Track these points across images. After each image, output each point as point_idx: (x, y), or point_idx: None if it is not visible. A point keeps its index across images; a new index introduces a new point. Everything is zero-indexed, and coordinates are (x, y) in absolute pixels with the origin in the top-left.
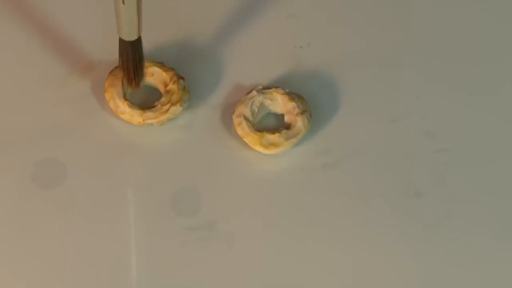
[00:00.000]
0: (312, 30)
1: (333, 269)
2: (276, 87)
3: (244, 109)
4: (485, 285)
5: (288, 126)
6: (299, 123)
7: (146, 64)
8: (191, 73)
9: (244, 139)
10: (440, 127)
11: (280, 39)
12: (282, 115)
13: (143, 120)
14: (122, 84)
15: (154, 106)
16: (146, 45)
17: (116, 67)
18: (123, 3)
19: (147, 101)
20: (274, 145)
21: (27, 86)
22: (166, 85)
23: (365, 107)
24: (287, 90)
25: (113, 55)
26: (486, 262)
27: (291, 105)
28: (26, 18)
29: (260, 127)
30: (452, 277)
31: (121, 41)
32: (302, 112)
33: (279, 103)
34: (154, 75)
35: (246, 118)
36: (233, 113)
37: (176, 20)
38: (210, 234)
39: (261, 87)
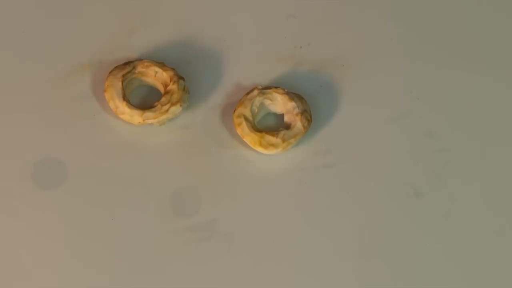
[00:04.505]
0: (312, 30)
1: (333, 268)
2: (276, 87)
3: (244, 109)
4: (485, 285)
5: (288, 126)
6: (299, 123)
7: (146, 64)
8: (191, 73)
9: (244, 139)
10: (440, 127)
11: (280, 39)
12: (282, 115)
13: (143, 120)
14: (122, 84)
15: (154, 106)
16: (146, 45)
17: (116, 67)
18: None
19: (147, 101)
20: (273, 145)
21: (27, 86)
22: (166, 85)
23: (365, 107)
24: (287, 90)
25: (113, 55)
26: (486, 262)
27: (291, 105)
28: (26, 18)
29: (260, 127)
30: (452, 276)
31: None
32: (302, 112)
33: (279, 103)
34: (154, 75)
35: (246, 118)
36: (233, 113)
37: (176, 20)
38: (210, 234)
39: (261, 87)
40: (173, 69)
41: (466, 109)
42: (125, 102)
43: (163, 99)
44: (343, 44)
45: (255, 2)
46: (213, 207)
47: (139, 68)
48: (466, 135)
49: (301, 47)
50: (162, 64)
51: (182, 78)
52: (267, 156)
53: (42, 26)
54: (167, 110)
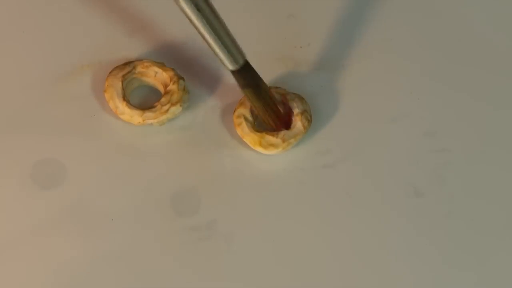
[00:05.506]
0: (312, 30)
1: (333, 269)
2: (276, 87)
3: (244, 110)
4: (485, 284)
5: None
6: (299, 123)
7: (146, 64)
8: (191, 73)
9: (244, 139)
10: (440, 127)
11: (280, 39)
12: None
13: (143, 121)
14: (122, 84)
15: (154, 107)
16: (146, 45)
17: (116, 67)
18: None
19: (147, 101)
20: (273, 145)
21: (27, 86)
22: (166, 85)
23: (365, 107)
24: (287, 90)
25: (113, 55)
26: (486, 262)
27: (291, 105)
28: (26, 18)
29: (260, 127)
30: (452, 277)
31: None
32: (302, 112)
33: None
34: (154, 75)
35: (246, 119)
36: (233, 113)
37: (176, 20)
38: (210, 234)
39: None
40: (173, 69)
41: (466, 109)
42: (125, 102)
43: (163, 99)
44: (343, 44)
45: (255, 2)
46: (213, 207)
47: (139, 68)
48: (466, 135)
49: (301, 47)
50: (162, 64)
51: (182, 78)
52: (267, 156)
53: (42, 26)
54: (167, 110)
